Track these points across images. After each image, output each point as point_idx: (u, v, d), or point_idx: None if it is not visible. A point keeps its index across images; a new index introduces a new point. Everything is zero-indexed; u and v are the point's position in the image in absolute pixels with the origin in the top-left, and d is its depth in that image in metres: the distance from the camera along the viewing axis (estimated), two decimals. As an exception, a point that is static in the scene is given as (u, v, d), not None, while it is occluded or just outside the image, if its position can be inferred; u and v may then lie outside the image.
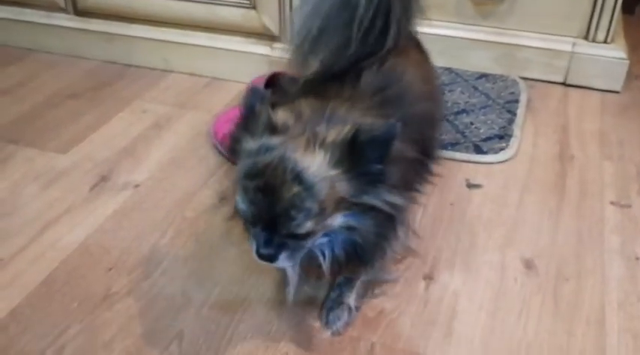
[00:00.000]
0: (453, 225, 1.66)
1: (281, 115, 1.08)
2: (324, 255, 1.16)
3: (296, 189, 0.99)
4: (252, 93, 1.10)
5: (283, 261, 1.08)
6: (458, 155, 1.91)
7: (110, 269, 1.53)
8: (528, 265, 1.52)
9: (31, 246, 1.59)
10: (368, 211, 1.08)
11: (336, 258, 1.17)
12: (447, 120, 2.07)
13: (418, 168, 1.35)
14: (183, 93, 2.35)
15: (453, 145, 1.95)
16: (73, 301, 1.43)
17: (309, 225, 1.02)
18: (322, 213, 1.03)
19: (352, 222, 1.09)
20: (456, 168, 1.87)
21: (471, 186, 1.81)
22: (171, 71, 2.50)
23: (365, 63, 1.30)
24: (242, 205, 1.04)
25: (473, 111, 2.13)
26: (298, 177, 1.00)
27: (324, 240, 1.13)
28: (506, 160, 1.91)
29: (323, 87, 1.25)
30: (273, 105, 1.11)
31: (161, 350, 1.31)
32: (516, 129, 2.04)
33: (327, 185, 1.02)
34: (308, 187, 1.00)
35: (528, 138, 2.03)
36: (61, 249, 1.58)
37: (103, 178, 1.85)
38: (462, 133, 2.01)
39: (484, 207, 1.72)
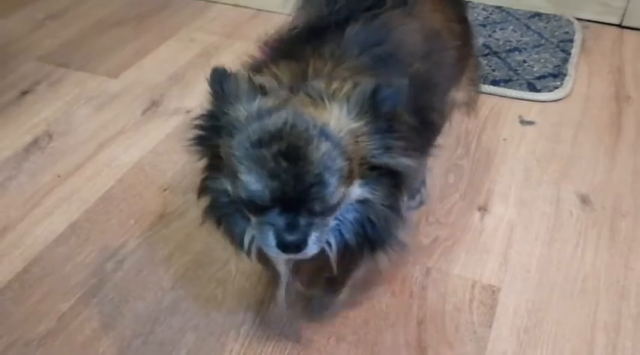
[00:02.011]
0: (507, 160, 1.64)
1: (259, 79, 0.92)
2: (328, 244, 0.97)
3: (325, 145, 0.84)
4: (214, 73, 0.91)
5: (312, 247, 0.89)
6: (510, 92, 1.88)
7: (165, 189, 1.54)
8: (584, 200, 1.50)
9: (87, 165, 1.61)
10: (381, 178, 0.94)
11: (346, 246, 0.98)
12: (499, 58, 2.03)
13: (415, 138, 1.04)
14: (229, 23, 2.32)
15: (506, 82, 1.92)
16: (130, 218, 1.46)
17: (341, 192, 0.87)
18: (350, 177, 0.88)
19: (367, 192, 0.93)
20: (508, 105, 1.84)
21: (524, 122, 1.78)
22: (215, 1, 2.46)
23: (353, 19, 1.09)
24: (256, 185, 0.84)
25: (525, 49, 2.09)
26: (324, 132, 0.85)
27: (332, 222, 0.95)
28: (560, 99, 1.87)
29: (299, 47, 1.05)
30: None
31: (219, 267, 1.34)
32: (571, 69, 1.99)
33: (352, 139, 0.88)
34: (336, 142, 0.85)
35: (583, 78, 1.98)
36: (117, 168, 1.59)
37: (155, 103, 1.85)
38: (515, 71, 1.97)
39: (538, 144, 1.70)
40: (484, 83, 1.90)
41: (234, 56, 2.09)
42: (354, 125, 0.88)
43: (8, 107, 1.83)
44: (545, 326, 1.22)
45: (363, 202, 0.94)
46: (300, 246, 0.88)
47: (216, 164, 0.94)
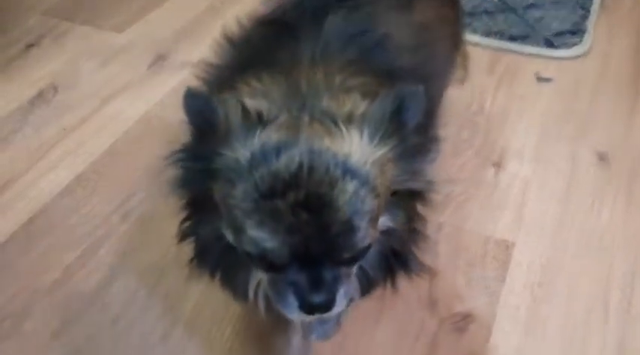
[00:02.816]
0: (523, 117, 1.60)
1: (251, 103, 0.76)
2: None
3: (352, 185, 0.69)
4: (190, 99, 0.73)
5: (341, 302, 0.76)
6: (527, 49, 1.83)
7: (171, 142, 1.50)
8: (602, 157, 1.46)
9: (92, 118, 1.58)
10: (400, 201, 0.80)
11: (369, 279, 0.86)
12: (516, 14, 1.97)
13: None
14: (236, -21, 2.26)
15: (523, 39, 1.86)
16: (137, 170, 1.43)
17: (371, 234, 0.73)
18: (378, 215, 0.75)
19: (388, 221, 0.79)
20: (524, 62, 1.79)
21: (540, 79, 1.73)
22: (223, -43, 2.40)
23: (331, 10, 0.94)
24: (271, 242, 0.69)
25: (543, 5, 2.02)
26: (349, 169, 0.70)
27: None
28: (578, 56, 1.82)
29: (272, 49, 0.90)
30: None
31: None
32: (590, 26, 1.93)
33: (379, 170, 0.73)
34: (364, 179, 0.71)
35: (602, 36, 1.92)
36: (123, 121, 1.56)
37: (161, 57, 1.81)
38: (532, 27, 1.91)
39: (555, 101, 1.65)
40: (501, 39, 1.85)
41: (243, 11, 2.03)
42: (380, 152, 0.73)
43: (13, 60, 1.79)
44: (560, 282, 1.19)
45: (385, 232, 0.80)
46: (328, 306, 0.74)
47: (203, 205, 0.78)
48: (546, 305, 1.15)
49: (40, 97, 1.65)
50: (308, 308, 0.74)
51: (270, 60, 0.87)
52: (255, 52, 0.93)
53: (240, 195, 0.70)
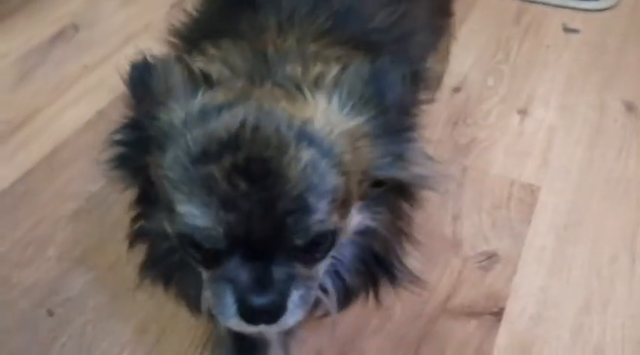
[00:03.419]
0: (549, 67, 1.57)
1: (202, 66, 0.66)
2: (324, 289, 0.72)
3: (308, 153, 0.56)
4: (135, 69, 0.64)
5: (295, 312, 0.60)
6: (554, 0, 1.79)
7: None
8: (630, 107, 1.44)
9: (114, 56, 1.56)
10: (383, 196, 0.68)
11: (347, 288, 0.73)
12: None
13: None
14: None
15: (550, -11, 1.82)
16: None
17: (335, 223, 0.59)
18: (347, 201, 0.61)
19: (367, 218, 0.67)
20: (551, 13, 1.75)
21: (568, 30, 1.70)
22: None
23: None
24: (202, 219, 0.56)
25: (572, -42, 1.97)
26: (305, 134, 0.57)
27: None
28: (606, 8, 1.78)
29: (226, 21, 0.80)
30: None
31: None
32: (619, -21, 1.88)
33: (349, 144, 0.60)
34: (326, 148, 0.58)
35: (630, -11, 1.88)
36: (145, 60, 1.54)
37: (182, -1, 1.78)
38: (560, -21, 1.87)
39: (582, 52, 1.62)
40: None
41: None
42: (351, 123, 0.61)
43: (33, -1, 1.78)
44: (585, 226, 1.18)
45: (363, 232, 0.68)
46: (275, 312, 0.58)
47: (150, 195, 0.66)
48: (572, 248, 1.14)
49: (60, 35, 1.64)
50: (249, 313, 0.58)
51: (231, 30, 0.77)
52: (212, 23, 0.84)
53: (169, 162, 0.58)
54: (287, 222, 0.55)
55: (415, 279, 0.76)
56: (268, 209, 0.55)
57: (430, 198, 1.17)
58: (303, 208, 0.55)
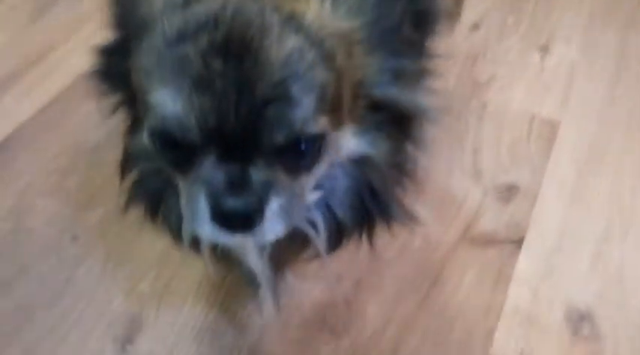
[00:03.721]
0: (571, 6, 1.54)
1: None
2: (313, 224, 0.68)
3: (294, 40, 0.52)
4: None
5: (274, 223, 0.55)
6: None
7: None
8: (653, 44, 1.42)
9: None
10: (384, 125, 0.63)
11: (339, 225, 0.68)
12: None
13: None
14: None
15: None
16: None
17: (322, 125, 0.54)
18: (338, 107, 0.56)
19: (365, 145, 0.62)
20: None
21: (590, -32, 1.66)
22: None
23: None
24: (174, 105, 0.51)
25: None
26: (294, 21, 0.53)
27: (315, 194, 0.65)
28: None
29: None
30: None
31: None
32: None
33: (342, 46, 0.55)
34: (314, 39, 0.53)
35: None
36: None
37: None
38: None
39: (604, -9, 1.59)
40: None
41: None
42: (345, 25, 0.56)
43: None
44: (606, 160, 1.17)
45: (360, 162, 0.63)
46: (251, 218, 0.52)
47: (139, 115, 0.61)
48: (592, 180, 1.14)
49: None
50: (223, 217, 0.52)
51: None
52: None
53: (144, 50, 0.54)
54: (266, 111, 0.50)
55: (413, 219, 0.70)
56: (245, 92, 0.49)
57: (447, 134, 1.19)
58: (285, 98, 0.50)
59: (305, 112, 0.51)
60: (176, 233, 0.69)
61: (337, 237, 0.68)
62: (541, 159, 1.17)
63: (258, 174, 0.52)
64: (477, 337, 0.92)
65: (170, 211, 0.68)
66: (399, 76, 0.60)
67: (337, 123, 0.56)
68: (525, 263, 1.01)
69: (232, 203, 0.51)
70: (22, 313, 0.94)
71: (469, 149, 1.19)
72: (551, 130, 1.22)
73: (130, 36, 0.58)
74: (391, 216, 0.68)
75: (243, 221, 0.52)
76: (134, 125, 0.65)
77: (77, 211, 1.08)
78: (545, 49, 1.41)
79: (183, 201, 0.57)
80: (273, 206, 0.53)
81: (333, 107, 0.54)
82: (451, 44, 1.36)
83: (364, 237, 0.71)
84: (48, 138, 1.19)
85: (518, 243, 1.03)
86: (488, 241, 1.03)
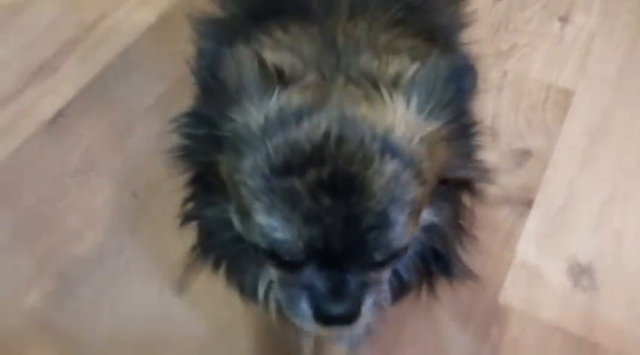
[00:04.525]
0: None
1: (271, 55, 0.64)
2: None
3: (391, 166, 0.55)
4: (203, 55, 0.63)
5: (367, 315, 0.62)
6: None
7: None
8: (671, 14, 1.48)
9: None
10: (447, 193, 0.67)
11: (403, 284, 0.72)
12: None
13: None
14: None
15: None
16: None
17: (411, 231, 0.59)
18: (422, 207, 0.61)
19: (432, 215, 0.65)
20: None
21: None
22: None
23: None
24: (283, 233, 0.56)
25: None
26: (389, 145, 0.56)
27: None
28: None
29: None
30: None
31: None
32: None
33: (427, 150, 0.59)
34: (408, 159, 0.57)
35: None
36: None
37: None
38: None
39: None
40: None
41: None
42: (430, 128, 0.59)
43: None
44: (616, 128, 1.27)
45: (426, 229, 0.66)
46: (350, 318, 0.60)
47: (210, 183, 0.66)
48: (601, 147, 1.24)
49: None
50: (325, 319, 0.59)
51: (297, 7, 0.74)
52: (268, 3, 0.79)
53: (248, 169, 0.57)
54: (370, 238, 0.55)
55: (471, 275, 0.75)
56: (352, 225, 0.54)
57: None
58: (386, 223, 0.55)
59: (400, 231, 0.56)
60: (248, 292, 0.75)
61: (400, 293, 0.73)
62: (555, 127, 1.27)
63: (354, 280, 0.58)
64: (488, 287, 1.04)
65: (243, 273, 0.73)
66: (468, 157, 0.66)
67: (419, 219, 0.61)
68: (534, 222, 1.13)
69: (335, 310, 0.58)
70: (93, 258, 1.10)
71: (489, 115, 1.29)
72: (566, 99, 1.32)
73: (221, 138, 0.60)
74: (451, 273, 0.73)
75: (344, 322, 0.60)
76: (205, 195, 0.69)
77: (136, 169, 1.21)
78: (565, 19, 1.48)
79: (280, 294, 0.64)
80: (368, 304, 0.60)
81: (419, 210, 0.60)
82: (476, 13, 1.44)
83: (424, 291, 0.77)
84: (106, 102, 1.32)
85: (529, 204, 1.15)
86: (500, 201, 1.15)
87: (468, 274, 0.74)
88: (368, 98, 0.58)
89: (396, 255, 0.60)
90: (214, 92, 0.60)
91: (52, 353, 1.01)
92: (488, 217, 1.13)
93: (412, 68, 0.61)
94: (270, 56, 0.62)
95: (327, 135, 0.54)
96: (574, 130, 1.26)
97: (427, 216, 0.64)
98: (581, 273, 1.07)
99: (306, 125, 0.55)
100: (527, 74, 1.37)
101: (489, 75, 1.36)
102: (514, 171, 1.20)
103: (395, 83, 0.60)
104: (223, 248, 0.71)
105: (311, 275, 0.58)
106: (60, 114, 1.30)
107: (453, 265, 0.72)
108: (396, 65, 0.63)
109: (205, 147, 0.63)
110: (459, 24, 0.90)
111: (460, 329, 1.02)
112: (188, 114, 0.65)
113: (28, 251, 1.10)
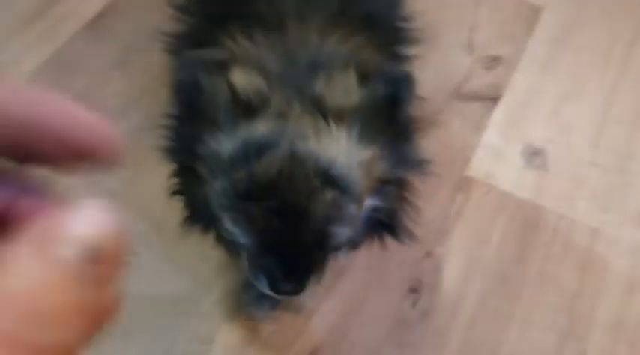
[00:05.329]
0: None
1: (241, 79, 0.71)
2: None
3: (331, 195, 0.69)
4: (180, 88, 0.75)
5: (309, 290, 0.76)
6: None
7: None
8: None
9: None
10: (389, 185, 0.80)
11: (355, 245, 0.88)
12: None
13: None
14: None
15: None
16: None
17: (346, 233, 0.74)
18: (359, 211, 0.74)
19: (376, 201, 0.79)
20: None
21: None
22: None
23: None
24: (245, 239, 0.72)
25: None
26: (329, 178, 0.68)
27: None
28: None
29: (240, 2, 0.84)
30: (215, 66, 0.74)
31: None
32: None
33: (364, 173, 0.71)
34: (346, 187, 0.69)
35: None
36: None
37: None
38: None
39: None
40: None
41: None
42: (368, 152, 0.72)
43: None
44: (576, 40, 1.47)
45: (372, 210, 0.79)
46: (297, 292, 0.75)
47: (195, 170, 0.76)
48: (562, 56, 1.44)
49: None
50: (277, 292, 0.74)
51: (249, 12, 0.82)
52: (225, 3, 0.89)
53: (218, 189, 0.71)
54: (313, 248, 0.72)
55: (414, 238, 0.89)
56: (298, 240, 0.70)
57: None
58: (325, 237, 0.71)
59: (339, 237, 0.73)
60: (230, 250, 0.89)
61: (352, 248, 0.89)
62: (523, 38, 1.48)
63: (302, 264, 0.74)
64: (457, 162, 1.28)
65: (225, 237, 0.83)
66: (404, 162, 0.79)
67: (358, 218, 0.76)
68: (499, 114, 1.35)
69: (286, 287, 0.74)
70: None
71: (466, 28, 1.49)
72: (534, 14, 1.52)
73: (197, 153, 0.74)
74: (398, 235, 0.87)
75: (292, 294, 0.77)
76: (190, 178, 0.79)
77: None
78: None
79: (246, 267, 0.78)
80: (314, 278, 0.75)
81: (355, 217, 0.75)
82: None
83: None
84: (141, 6, 1.51)
85: (496, 99, 1.37)
86: (472, 97, 1.37)
87: (411, 237, 0.89)
88: (317, 131, 0.69)
89: (336, 249, 0.77)
90: (191, 117, 0.73)
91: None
92: (462, 109, 1.35)
93: (355, 95, 0.71)
94: (241, 79, 0.71)
95: (279, 172, 0.68)
96: (540, 41, 1.47)
97: (373, 201, 0.78)
98: (534, 154, 1.30)
99: (264, 161, 0.68)
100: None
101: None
102: (485, 73, 1.41)
103: (340, 116, 0.70)
104: (208, 219, 0.82)
105: (266, 260, 0.73)
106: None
107: (397, 230, 0.86)
108: (342, 91, 0.71)
109: (187, 155, 0.76)
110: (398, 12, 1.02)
111: (431, 197, 1.25)
112: (171, 123, 0.79)
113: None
